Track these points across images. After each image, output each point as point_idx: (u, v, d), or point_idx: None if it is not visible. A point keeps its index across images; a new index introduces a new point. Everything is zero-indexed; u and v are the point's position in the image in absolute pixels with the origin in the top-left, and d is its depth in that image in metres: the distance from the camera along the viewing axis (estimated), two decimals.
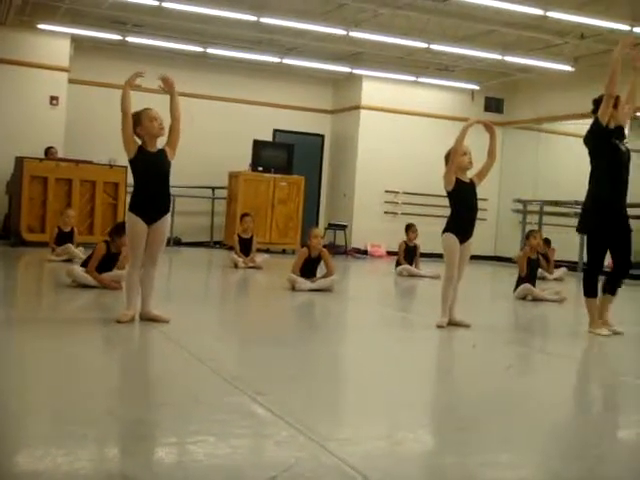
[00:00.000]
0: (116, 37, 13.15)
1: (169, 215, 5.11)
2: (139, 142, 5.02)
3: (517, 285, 8.40)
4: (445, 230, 5.79)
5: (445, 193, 5.81)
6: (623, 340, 6.27)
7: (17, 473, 2.30)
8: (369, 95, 15.28)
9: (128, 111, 4.94)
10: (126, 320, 4.95)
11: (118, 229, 6.72)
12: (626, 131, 6.02)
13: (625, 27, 10.61)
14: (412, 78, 14.99)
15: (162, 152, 5.06)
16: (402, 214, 14.96)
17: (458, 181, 5.73)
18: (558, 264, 11.46)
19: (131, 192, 5.20)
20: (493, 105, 16.13)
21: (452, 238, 5.72)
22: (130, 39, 13.26)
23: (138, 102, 5.07)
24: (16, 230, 11.55)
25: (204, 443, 2.63)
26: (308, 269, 7.94)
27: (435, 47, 12.65)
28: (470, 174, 5.85)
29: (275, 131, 15.60)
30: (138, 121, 4.96)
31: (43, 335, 4.60)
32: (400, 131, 15.35)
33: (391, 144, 15.23)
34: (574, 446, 2.96)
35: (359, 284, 10.69)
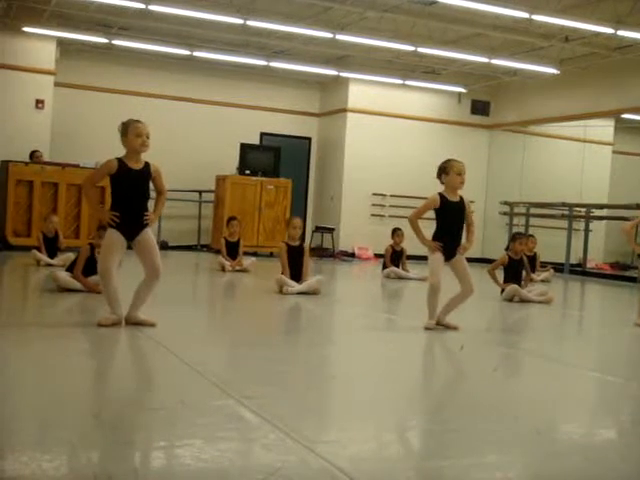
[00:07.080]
0: (102, 40, 13.10)
1: (149, 227, 5.01)
2: (115, 160, 4.90)
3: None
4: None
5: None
6: (611, 340, 6.31)
7: (1, 479, 2.28)
8: (356, 98, 15.31)
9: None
10: (108, 324, 4.89)
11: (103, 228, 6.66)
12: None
13: (609, 30, 10.70)
14: (399, 81, 15.03)
15: (146, 169, 4.96)
16: (389, 217, 15.00)
17: (444, 200, 5.71)
18: (543, 264, 11.53)
19: (109, 208, 4.95)
20: (479, 108, 16.20)
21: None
22: (116, 42, 13.21)
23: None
24: (1, 234, 11.48)
25: (191, 447, 2.62)
26: (295, 265, 7.84)
27: (422, 50, 12.70)
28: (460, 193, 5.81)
29: (262, 134, 15.60)
30: (124, 132, 4.90)
31: (28, 339, 4.57)
32: (387, 134, 15.39)
33: (378, 147, 15.27)
34: (561, 446, 2.97)
35: (346, 287, 10.69)
